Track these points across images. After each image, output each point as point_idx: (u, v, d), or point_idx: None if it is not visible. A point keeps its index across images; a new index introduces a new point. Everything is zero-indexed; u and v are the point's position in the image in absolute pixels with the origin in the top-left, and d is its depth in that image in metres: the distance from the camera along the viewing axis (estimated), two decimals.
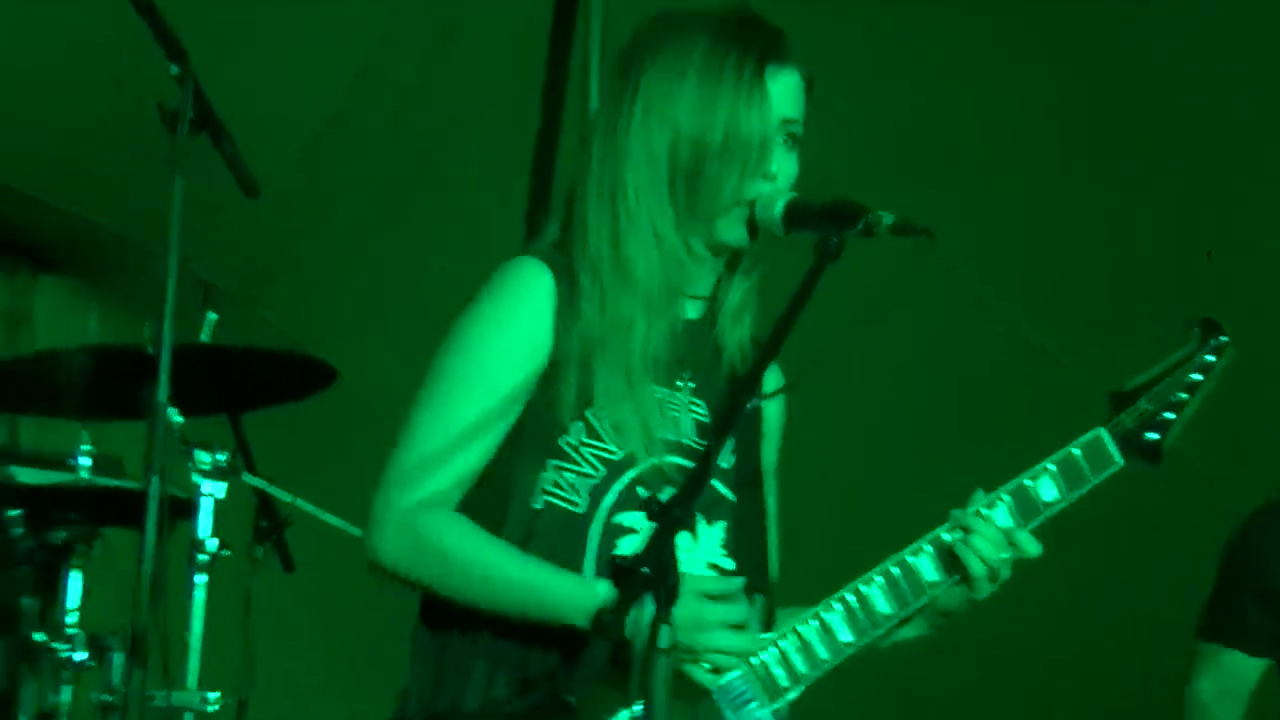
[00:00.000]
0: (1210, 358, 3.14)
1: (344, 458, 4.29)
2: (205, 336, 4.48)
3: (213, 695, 4.33)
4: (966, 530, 2.98)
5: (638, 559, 2.68)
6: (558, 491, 3.00)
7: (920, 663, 3.61)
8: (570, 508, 3.00)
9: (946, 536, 3.00)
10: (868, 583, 3.00)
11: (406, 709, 3.05)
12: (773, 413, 3.25)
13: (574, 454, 3.01)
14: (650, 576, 2.61)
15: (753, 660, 2.98)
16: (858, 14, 5.61)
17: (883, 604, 3.00)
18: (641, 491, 3.01)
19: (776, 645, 2.99)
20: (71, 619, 4.44)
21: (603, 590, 2.87)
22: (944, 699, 5.25)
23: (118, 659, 4.25)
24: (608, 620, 2.81)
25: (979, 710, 5.62)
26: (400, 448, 3.03)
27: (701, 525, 3.03)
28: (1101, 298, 6.16)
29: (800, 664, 2.98)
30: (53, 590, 4.45)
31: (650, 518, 2.79)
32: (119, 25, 4.11)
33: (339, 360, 4.54)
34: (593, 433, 3.01)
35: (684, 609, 2.67)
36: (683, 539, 2.79)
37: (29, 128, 5.62)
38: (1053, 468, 3.08)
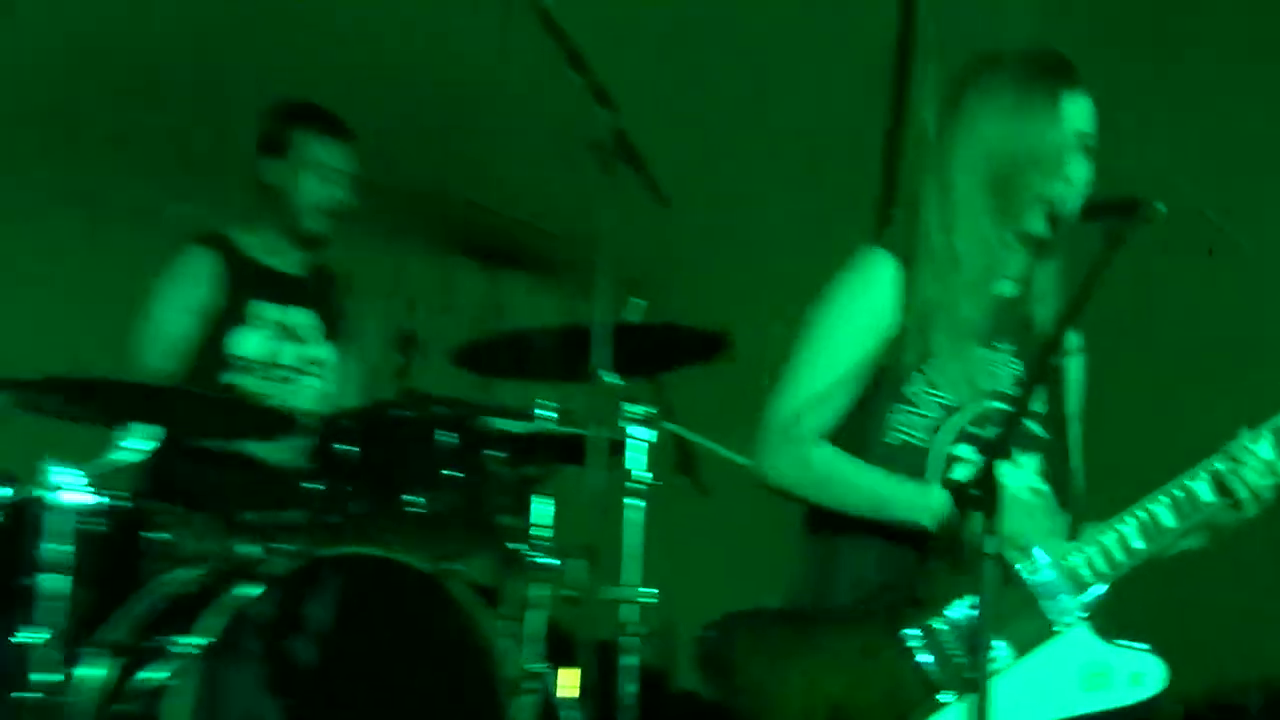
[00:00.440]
0: None
1: (735, 407, 4.27)
2: (633, 317, 4.52)
3: (646, 590, 4.36)
4: (1236, 460, 2.93)
5: (969, 483, 2.68)
6: (904, 429, 3.02)
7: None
8: (914, 442, 3.02)
9: (1220, 465, 2.95)
10: (1155, 502, 2.97)
11: (793, 599, 3.09)
12: (1075, 369, 3.22)
13: (916, 400, 3.03)
14: (980, 496, 2.61)
15: (1062, 562, 2.95)
16: None
17: (1168, 519, 2.96)
18: (970, 430, 3.02)
19: (1082, 550, 2.96)
20: (541, 534, 4.44)
21: (937, 493, 2.92)
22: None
23: (577, 563, 4.27)
24: (946, 523, 2.85)
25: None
26: (781, 396, 3.07)
27: (1020, 457, 3.02)
28: None
29: (1101, 564, 2.95)
30: (526, 512, 4.45)
31: (979, 450, 3.00)
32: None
33: (737, 332, 4.53)
34: (930, 384, 3.03)
35: (1008, 522, 2.65)
36: (1005, 467, 2.76)
37: (498, 157, 5.63)
38: None
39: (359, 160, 5.06)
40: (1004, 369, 3.10)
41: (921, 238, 3.07)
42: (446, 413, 4.37)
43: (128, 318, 5.01)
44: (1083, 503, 3.12)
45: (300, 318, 5.07)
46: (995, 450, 2.73)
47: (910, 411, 3.03)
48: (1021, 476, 3.03)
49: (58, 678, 4.06)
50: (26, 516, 4.13)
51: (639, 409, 4.39)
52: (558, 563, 4.39)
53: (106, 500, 4.29)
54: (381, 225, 5.15)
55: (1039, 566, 2.94)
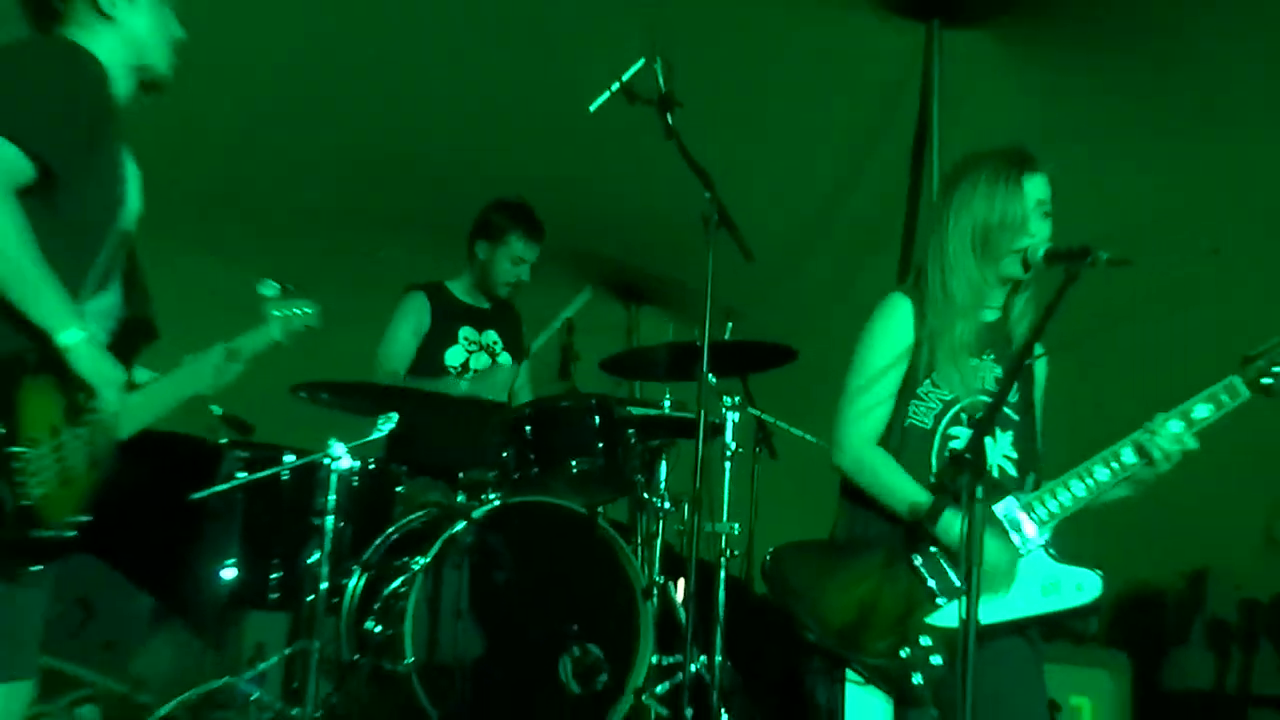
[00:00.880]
0: None
1: (799, 398, 4.33)
2: (726, 336, 4.57)
3: (736, 526, 4.35)
4: (1153, 433, 2.88)
5: (963, 451, 2.64)
6: (916, 417, 2.99)
7: None
8: (923, 425, 2.99)
9: (1141, 436, 2.89)
10: (1094, 462, 2.92)
11: (834, 535, 3.06)
12: (1039, 370, 3.16)
13: (925, 396, 3.00)
14: (971, 460, 2.59)
15: (1027, 506, 2.91)
16: None
17: (1103, 474, 2.90)
18: (963, 415, 2.99)
19: (1041, 497, 2.91)
20: (661, 487, 4.53)
21: (926, 496, 2.85)
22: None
23: (686, 508, 4.29)
24: (930, 517, 2.74)
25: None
26: (846, 400, 3.02)
27: (999, 433, 2.99)
28: None
29: (1054, 507, 2.90)
30: (652, 471, 4.52)
31: (970, 427, 2.96)
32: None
33: (800, 344, 4.52)
34: (935, 384, 3.00)
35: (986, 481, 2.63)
36: (988, 441, 2.91)
37: (638, 226, 5.60)
38: (1205, 398, 2.91)
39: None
40: (988, 372, 3.03)
41: (926, 285, 3.02)
42: (595, 403, 4.39)
43: (359, 340, 4.97)
44: (1041, 464, 3.05)
45: (489, 337, 5.00)
46: (982, 427, 2.72)
47: (921, 404, 2.99)
48: (999, 447, 2.99)
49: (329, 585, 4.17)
50: (313, 476, 4.30)
51: (730, 399, 4.39)
52: (671, 507, 4.46)
53: (365, 464, 4.45)
54: (554, 273, 5.13)
55: (1010, 510, 2.90)
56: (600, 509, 4.26)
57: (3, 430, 2.28)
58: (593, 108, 3.94)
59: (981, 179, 3.01)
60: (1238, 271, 4.72)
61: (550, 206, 4.93)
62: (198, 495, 4.37)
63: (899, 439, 2.98)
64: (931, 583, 2.87)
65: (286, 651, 4.36)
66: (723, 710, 4.14)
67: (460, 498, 4.39)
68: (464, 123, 5.16)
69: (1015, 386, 3.00)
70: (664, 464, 4.56)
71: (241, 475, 4.41)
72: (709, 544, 4.24)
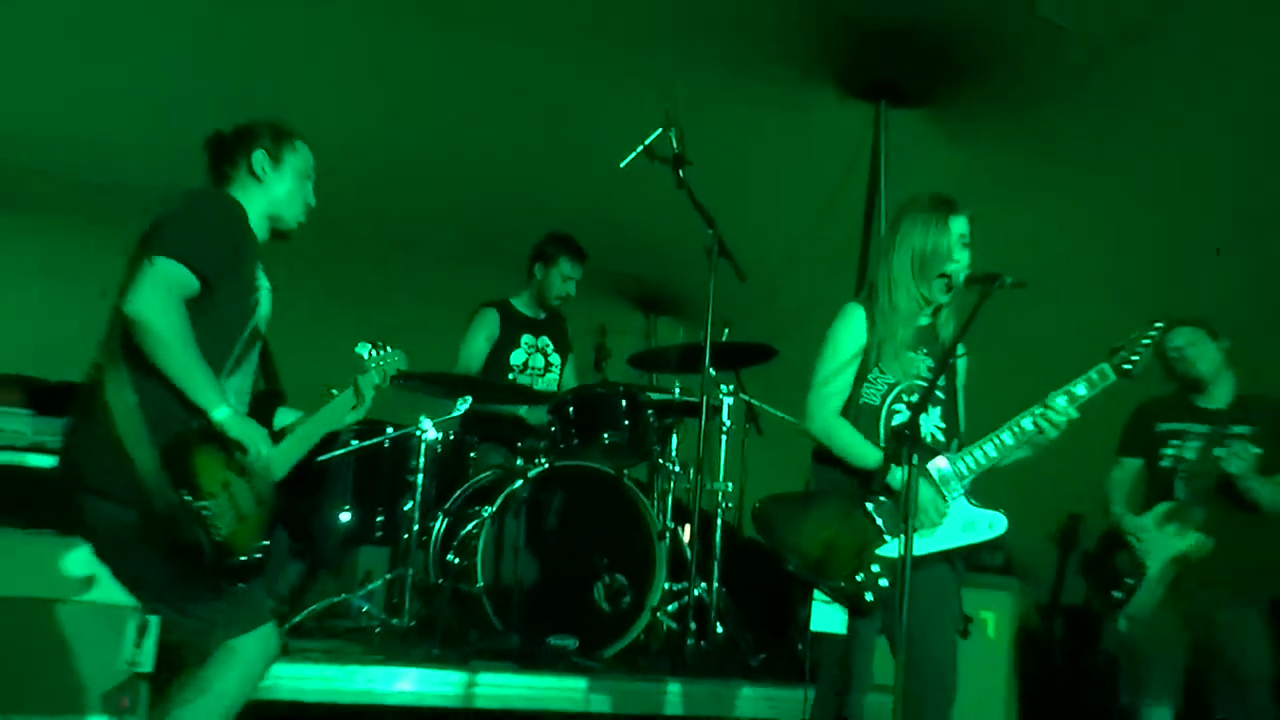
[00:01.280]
0: (1153, 333, 2.94)
1: (780, 387, 4.31)
2: (724, 338, 4.53)
3: (730, 484, 4.39)
4: (1047, 406, 2.86)
5: (903, 424, 2.78)
6: (868, 396, 2.97)
7: None
8: (873, 403, 2.96)
9: (1037, 410, 2.87)
10: (1001, 430, 2.90)
11: (805, 488, 3.03)
12: (961, 363, 3.10)
13: (874, 381, 2.97)
14: (909, 433, 2.67)
15: (952, 465, 2.90)
16: None
17: (1008, 439, 2.87)
18: (903, 396, 2.97)
19: (962, 458, 2.90)
20: (672, 454, 4.51)
21: (880, 456, 2.84)
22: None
23: (691, 470, 4.28)
24: (882, 471, 2.81)
25: None
26: (817, 384, 2.98)
27: (931, 409, 2.97)
28: None
29: (972, 465, 2.89)
30: (665, 442, 4.51)
31: (908, 407, 2.95)
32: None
33: (780, 345, 4.49)
34: (881, 372, 2.97)
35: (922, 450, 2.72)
36: (922, 415, 2.87)
37: (657, 253, 5.52)
38: (1083, 380, 2.89)
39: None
40: (921, 364, 3.01)
41: (877, 299, 3.00)
42: (622, 390, 4.36)
43: (439, 340, 4.93)
44: (962, 432, 3.02)
45: (543, 342, 4.90)
46: (917, 407, 2.78)
47: (871, 386, 2.97)
48: (930, 420, 2.97)
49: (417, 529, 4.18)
50: (407, 444, 4.32)
51: (726, 388, 4.41)
52: (680, 469, 4.47)
53: (446, 435, 4.48)
54: (589, 287, 5.08)
55: (940, 469, 2.89)
56: (625, 471, 4.25)
57: (186, 493, 2.35)
58: (623, 164, 3.96)
59: (918, 218, 2.99)
60: (1107, 286, 4.68)
61: (589, 239, 4.91)
62: (323, 458, 4.38)
63: (854, 412, 2.96)
64: (880, 522, 2.87)
65: (388, 576, 4.38)
66: (718, 624, 4.17)
67: (518, 462, 4.38)
68: (524, 176, 5.16)
69: (944, 375, 2.99)
70: (674, 437, 4.56)
71: (354, 444, 4.42)
72: (709, 498, 4.25)
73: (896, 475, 2.81)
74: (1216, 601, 3.64)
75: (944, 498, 2.88)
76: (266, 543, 2.55)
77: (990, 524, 2.90)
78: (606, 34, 4.44)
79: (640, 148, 3.98)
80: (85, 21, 4.42)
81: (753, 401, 4.66)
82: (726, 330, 4.46)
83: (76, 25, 4.42)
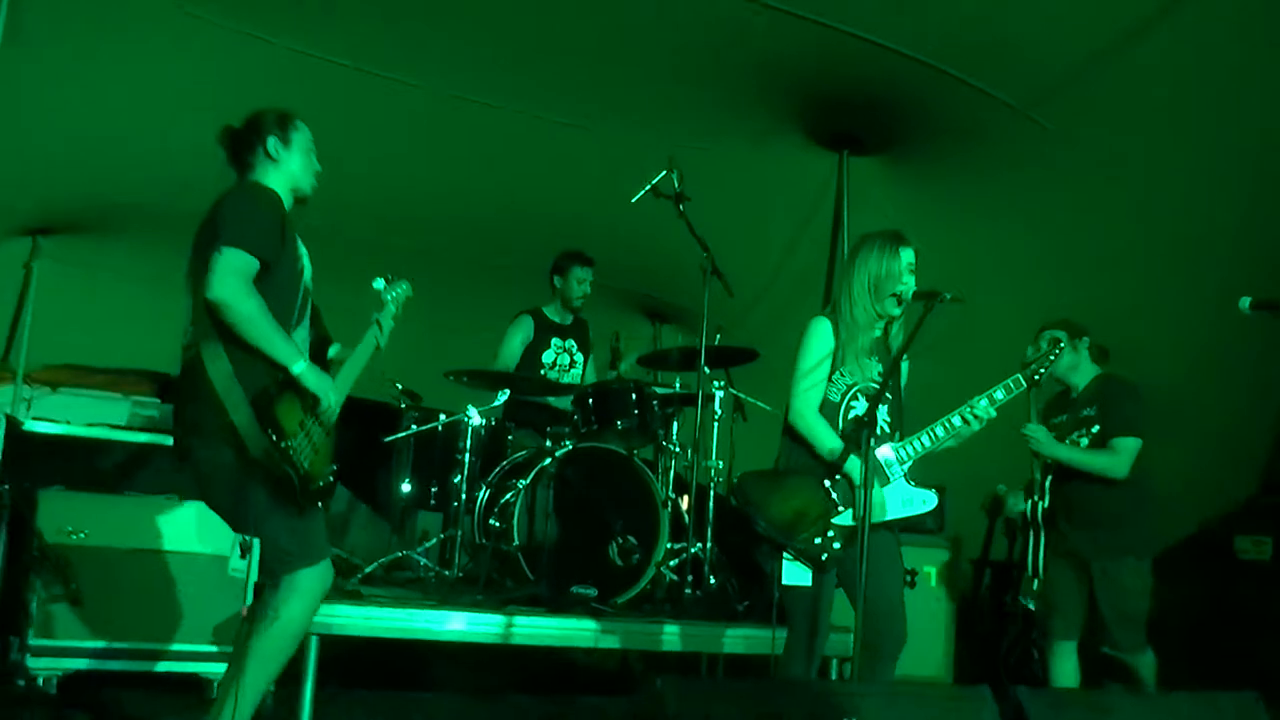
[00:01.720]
0: (1057, 351, 2.98)
1: (761, 383, 4.32)
2: (716, 343, 4.46)
3: (720, 463, 4.32)
4: (970, 407, 2.86)
5: (860, 417, 2.76)
6: (830, 393, 2.94)
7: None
8: (834, 399, 2.94)
9: (963, 409, 2.87)
10: (935, 425, 2.89)
11: (776, 465, 3.00)
12: (905, 367, 3.07)
13: (836, 381, 2.95)
14: (866, 423, 2.69)
15: (894, 452, 2.89)
16: None
17: (940, 432, 2.87)
18: (859, 393, 2.95)
19: (903, 447, 2.90)
20: (674, 438, 4.49)
21: (842, 447, 2.81)
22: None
23: (689, 451, 4.23)
24: (842, 458, 2.78)
25: None
26: (795, 382, 2.93)
27: (881, 406, 2.89)
28: None
29: (911, 453, 2.89)
30: (668, 428, 4.48)
31: (867, 400, 2.93)
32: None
33: (761, 348, 4.49)
34: (842, 374, 2.95)
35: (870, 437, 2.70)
36: (877, 410, 2.82)
37: (660, 271, 5.42)
38: (1000, 386, 2.88)
39: (599, 274, 4.85)
40: (874, 368, 2.99)
41: (840, 312, 2.97)
42: (632, 385, 4.32)
43: (482, 341, 4.88)
44: (903, 426, 3.00)
45: (570, 343, 4.83)
46: (873, 402, 2.78)
47: (833, 385, 2.94)
48: (880, 414, 2.92)
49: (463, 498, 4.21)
50: (457, 428, 4.31)
51: (718, 383, 4.40)
52: (680, 450, 4.46)
53: (489, 421, 4.41)
54: (606, 300, 5.10)
55: (885, 456, 2.89)
56: (635, 451, 4.21)
57: (275, 435, 2.41)
58: (634, 200, 3.97)
59: (874, 247, 2.97)
60: (1025, 305, 4.67)
61: (605, 259, 4.90)
62: (389, 439, 4.44)
63: (823, 405, 2.95)
64: (836, 496, 2.87)
65: (441, 536, 4.38)
66: (710, 577, 4.17)
67: (548, 443, 4.33)
68: (558, 213, 5.13)
69: (893, 378, 2.97)
70: (675, 423, 4.52)
71: (414, 427, 4.44)
72: (703, 473, 4.22)
73: (853, 464, 2.82)
74: (1091, 554, 3.64)
75: (888, 478, 2.89)
76: (335, 467, 2.59)
77: (924, 500, 2.90)
78: (623, 107, 4.46)
79: (648, 187, 3.99)
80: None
81: (739, 394, 4.63)
82: (718, 336, 4.41)
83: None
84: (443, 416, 4.41)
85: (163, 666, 3.43)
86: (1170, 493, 3.96)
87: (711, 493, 4.25)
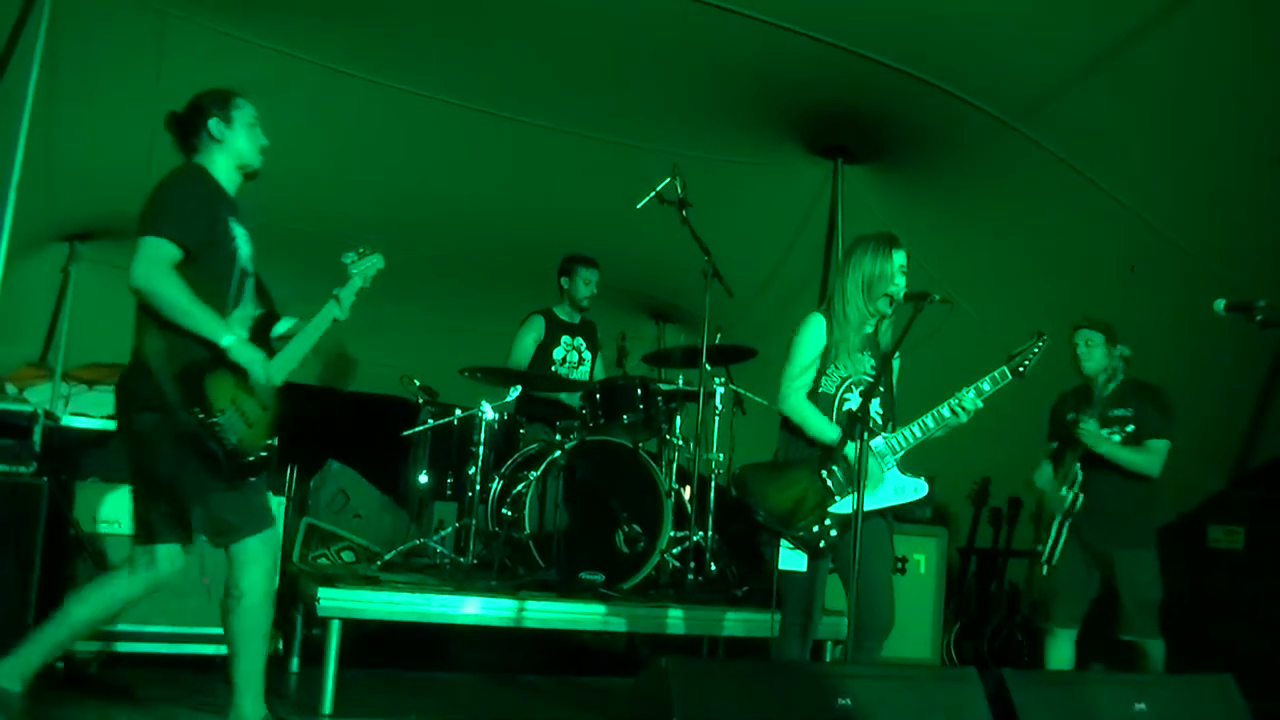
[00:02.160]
0: (1040, 344, 2.94)
1: (760, 379, 4.30)
2: (716, 341, 4.39)
3: (721, 455, 4.27)
4: (958, 399, 2.85)
5: (854, 411, 2.77)
6: (825, 386, 2.93)
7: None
8: (829, 392, 2.93)
9: (951, 401, 2.85)
10: (925, 416, 2.87)
11: (774, 457, 2.99)
12: (896, 362, 3.02)
13: (830, 374, 2.94)
14: (859, 415, 2.71)
15: (887, 442, 2.87)
16: None
17: (930, 422, 2.86)
18: (853, 386, 2.94)
19: (894, 438, 2.88)
20: (677, 431, 4.47)
21: (838, 433, 2.83)
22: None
23: (691, 443, 4.25)
24: (840, 444, 2.78)
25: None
26: (785, 375, 2.94)
27: (873, 399, 2.86)
28: None
29: (902, 444, 2.88)
30: (671, 422, 4.42)
31: (860, 394, 2.90)
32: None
33: (759, 346, 4.47)
34: (836, 367, 2.93)
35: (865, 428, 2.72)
36: (871, 403, 2.81)
37: (664, 274, 5.38)
38: (986, 378, 2.86)
39: (607, 276, 4.83)
40: (866, 363, 2.97)
41: (834, 309, 2.96)
42: (638, 381, 4.31)
43: (496, 340, 4.84)
44: (895, 419, 2.98)
45: (579, 342, 4.80)
46: (867, 395, 2.77)
47: (828, 378, 2.93)
48: (873, 407, 2.91)
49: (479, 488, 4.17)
50: (472, 422, 4.29)
51: (718, 379, 4.40)
52: (682, 443, 4.45)
53: (502, 416, 4.42)
54: (612, 301, 5.08)
55: (878, 445, 2.88)
56: (640, 444, 4.20)
57: (200, 412, 2.37)
58: (639, 206, 3.96)
59: (868, 249, 2.96)
60: (1009, 303, 4.64)
61: (612, 263, 4.89)
62: (407, 433, 4.43)
63: (816, 397, 2.95)
64: (832, 485, 2.87)
65: (456, 525, 4.35)
66: (711, 563, 4.17)
67: (557, 436, 4.34)
68: (568, 219, 5.14)
69: (885, 373, 2.96)
70: (678, 418, 4.49)
71: (431, 422, 4.43)
72: (704, 465, 4.23)
73: (849, 448, 2.83)
74: (1114, 546, 3.57)
75: (881, 467, 2.88)
76: (273, 441, 2.51)
77: (915, 488, 2.90)
78: (631, 121, 4.48)
79: (653, 193, 3.98)
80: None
81: (738, 390, 4.61)
82: (719, 335, 4.35)
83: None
84: (458, 411, 4.40)
85: (194, 649, 3.45)
86: None
87: (712, 483, 4.25)
